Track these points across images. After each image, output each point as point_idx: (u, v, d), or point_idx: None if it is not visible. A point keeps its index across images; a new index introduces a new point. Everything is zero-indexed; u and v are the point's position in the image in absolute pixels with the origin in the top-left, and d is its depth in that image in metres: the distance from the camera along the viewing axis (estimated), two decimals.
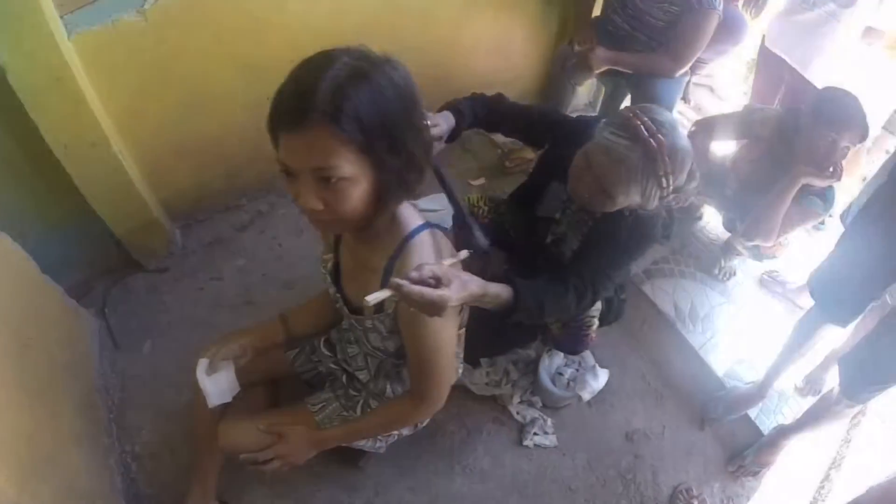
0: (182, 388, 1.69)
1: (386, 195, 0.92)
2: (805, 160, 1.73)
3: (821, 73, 2.13)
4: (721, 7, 1.93)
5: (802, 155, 1.73)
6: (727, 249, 2.19)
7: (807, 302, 1.98)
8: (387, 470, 1.69)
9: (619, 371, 1.95)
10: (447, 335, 1.09)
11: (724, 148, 2.12)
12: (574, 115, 1.65)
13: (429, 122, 1.16)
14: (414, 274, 0.86)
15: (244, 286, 2.05)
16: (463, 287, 0.93)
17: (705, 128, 1.96)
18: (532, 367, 1.85)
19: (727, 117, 1.99)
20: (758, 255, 2.16)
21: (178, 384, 1.73)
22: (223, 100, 1.92)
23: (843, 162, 1.73)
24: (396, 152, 0.86)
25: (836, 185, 1.80)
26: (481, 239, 1.24)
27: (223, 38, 1.78)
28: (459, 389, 1.77)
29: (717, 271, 2.18)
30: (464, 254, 1.02)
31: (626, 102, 2.27)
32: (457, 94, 2.41)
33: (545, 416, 1.81)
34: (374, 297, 0.83)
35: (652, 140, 1.14)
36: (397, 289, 0.83)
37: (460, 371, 1.47)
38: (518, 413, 1.81)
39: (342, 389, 1.37)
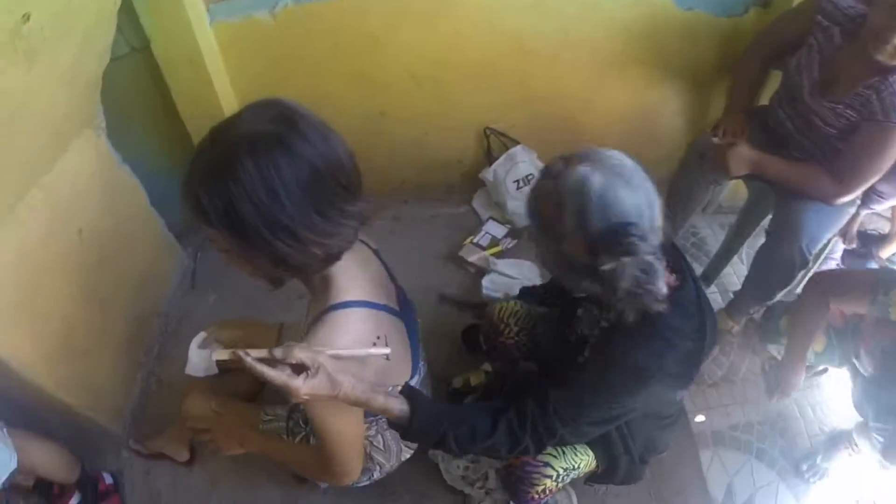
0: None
1: (275, 272, 0.91)
2: None
3: None
4: None
5: None
6: (836, 441, 1.62)
7: None
8: (326, 499, 1.65)
9: None
10: (336, 419, 1.02)
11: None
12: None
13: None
14: (277, 352, 0.82)
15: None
16: (329, 385, 0.86)
17: (826, 286, 1.47)
18: None
19: (856, 279, 1.44)
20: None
21: None
22: (336, 104, 1.98)
23: None
24: (257, 246, 0.83)
25: None
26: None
27: (341, 48, 1.89)
28: (433, 469, 1.64)
29: (805, 468, 1.63)
30: (381, 350, 0.95)
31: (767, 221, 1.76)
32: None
33: None
34: (217, 355, 0.83)
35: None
36: (239, 359, 0.80)
37: (407, 455, 1.39)
38: None
39: (297, 416, 1.40)
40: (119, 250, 1.77)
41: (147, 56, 1.78)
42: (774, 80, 1.74)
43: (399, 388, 1.03)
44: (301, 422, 1.38)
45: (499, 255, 2.18)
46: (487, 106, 2.12)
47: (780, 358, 1.70)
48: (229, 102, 1.93)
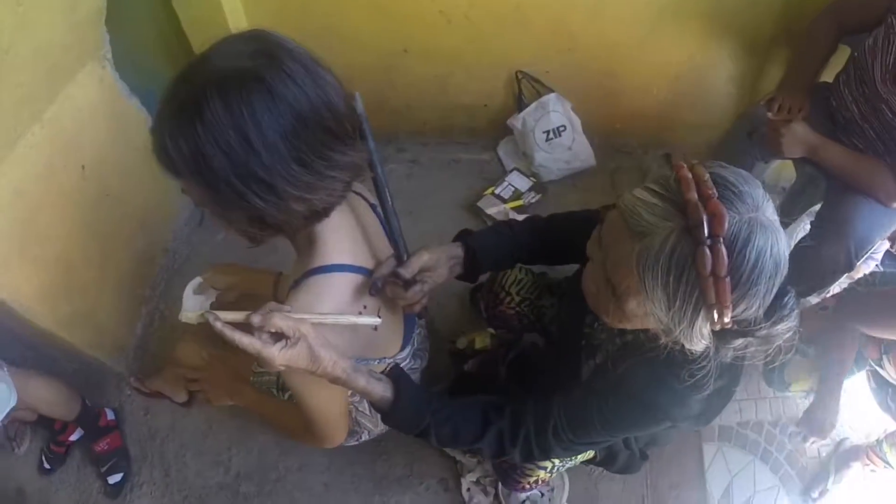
0: None
1: (253, 231, 0.80)
2: None
3: None
4: None
5: None
6: (849, 456, 1.55)
7: None
8: (318, 457, 1.66)
9: None
10: (312, 390, 0.95)
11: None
12: None
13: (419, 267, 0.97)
14: (255, 318, 0.75)
15: None
16: (308, 358, 0.79)
17: (856, 314, 1.34)
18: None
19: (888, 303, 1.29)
20: None
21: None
22: (355, 38, 1.89)
23: None
24: (229, 201, 0.73)
25: None
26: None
27: None
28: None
29: (815, 493, 1.56)
30: (361, 320, 0.87)
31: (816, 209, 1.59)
32: (626, 117, 2.08)
33: None
34: (185, 316, 0.78)
35: (702, 209, 0.62)
36: (212, 323, 0.74)
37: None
38: (468, 490, 1.59)
39: None
40: (124, 186, 1.72)
41: None
42: (841, 56, 1.52)
43: (386, 365, 0.97)
44: None
45: (520, 210, 2.05)
46: (521, 48, 1.94)
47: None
48: (241, 30, 1.79)
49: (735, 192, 0.65)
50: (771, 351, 0.72)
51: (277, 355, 0.75)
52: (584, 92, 2.03)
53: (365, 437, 1.34)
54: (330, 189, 0.78)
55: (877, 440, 1.53)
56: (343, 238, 0.91)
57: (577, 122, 2.07)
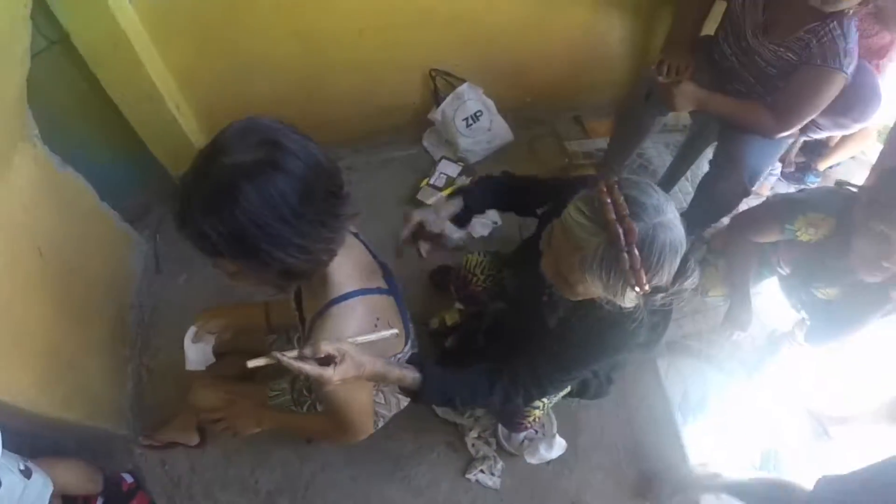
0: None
1: (282, 283, 0.97)
2: (859, 262, 1.37)
3: None
4: (850, 71, 1.50)
5: (855, 255, 1.37)
6: (777, 340, 1.89)
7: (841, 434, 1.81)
8: (336, 455, 1.81)
9: (594, 439, 1.85)
10: (354, 394, 1.16)
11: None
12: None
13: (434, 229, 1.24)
14: (307, 350, 0.91)
15: None
16: (355, 368, 0.96)
17: (745, 228, 1.64)
18: None
19: (765, 215, 1.60)
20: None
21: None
22: (281, 64, 1.97)
23: None
24: (263, 261, 0.88)
25: None
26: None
27: (283, 8, 1.80)
28: (424, 406, 1.79)
29: (755, 374, 1.91)
30: (383, 332, 1.04)
31: (710, 153, 1.89)
32: (534, 89, 2.27)
33: (497, 458, 1.80)
34: (253, 363, 0.90)
35: (619, 225, 0.88)
36: (278, 361, 0.89)
37: (405, 404, 1.52)
38: (473, 446, 1.82)
39: (299, 385, 1.51)
40: (80, 256, 1.73)
41: (66, 47, 1.62)
42: (719, 9, 1.77)
43: (398, 359, 1.18)
44: (305, 390, 1.49)
45: (455, 195, 2.22)
46: (431, 48, 2.10)
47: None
48: (164, 81, 1.82)
49: (642, 206, 0.90)
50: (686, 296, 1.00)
51: (333, 374, 0.92)
52: (493, 76, 2.22)
53: (380, 423, 1.51)
54: (342, 236, 0.96)
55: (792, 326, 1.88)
56: (346, 269, 1.08)
57: (491, 104, 2.25)
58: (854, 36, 1.50)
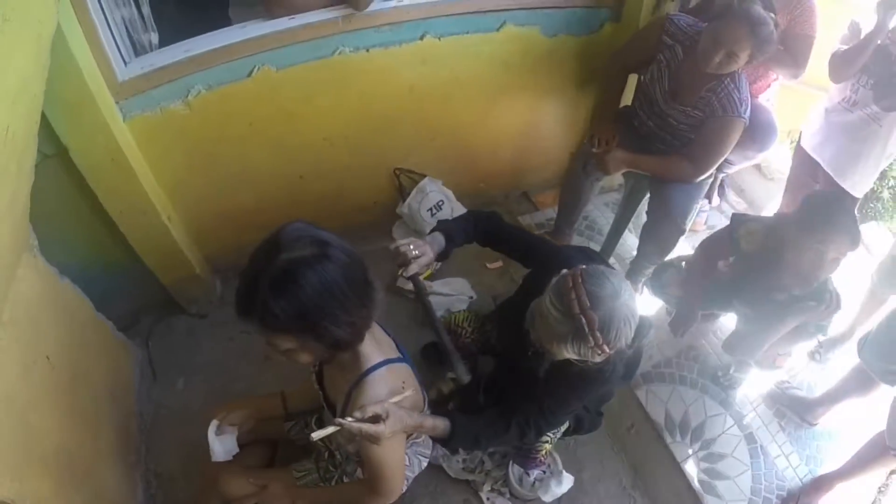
0: (204, 424, 1.90)
1: (328, 353, 1.16)
2: (791, 274, 1.65)
3: (856, 181, 2.00)
4: (747, 115, 1.85)
5: (789, 268, 1.64)
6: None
7: (819, 420, 2.04)
8: None
9: (596, 472, 1.98)
10: (392, 450, 1.30)
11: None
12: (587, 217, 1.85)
13: (416, 252, 1.43)
14: (357, 414, 1.11)
15: None
16: (399, 421, 1.17)
17: (708, 251, 1.93)
18: (507, 460, 1.92)
19: (711, 238, 1.93)
20: (760, 364, 2.09)
21: (201, 420, 1.86)
22: (258, 176, 2.15)
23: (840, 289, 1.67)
24: (319, 335, 1.07)
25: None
26: (461, 371, 1.42)
27: (257, 125, 2.00)
28: (437, 469, 1.92)
29: (720, 374, 2.13)
30: (409, 391, 1.26)
31: (646, 202, 2.23)
32: (486, 177, 2.60)
33: None
34: (318, 434, 1.09)
35: (582, 317, 1.16)
36: (339, 425, 1.09)
37: (425, 464, 1.67)
38: (488, 500, 1.90)
39: (323, 463, 1.61)
40: (83, 365, 1.77)
41: (61, 161, 1.71)
42: (632, 83, 2.14)
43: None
44: (330, 466, 1.60)
45: (430, 278, 2.43)
46: (394, 150, 2.37)
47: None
48: (156, 194, 1.96)
49: (599, 297, 1.17)
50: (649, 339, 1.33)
51: (384, 429, 1.12)
52: (449, 168, 2.51)
53: (406, 486, 1.60)
54: (375, 314, 1.17)
55: None
56: (372, 344, 1.27)
57: (450, 193, 2.52)
58: (745, 85, 1.86)
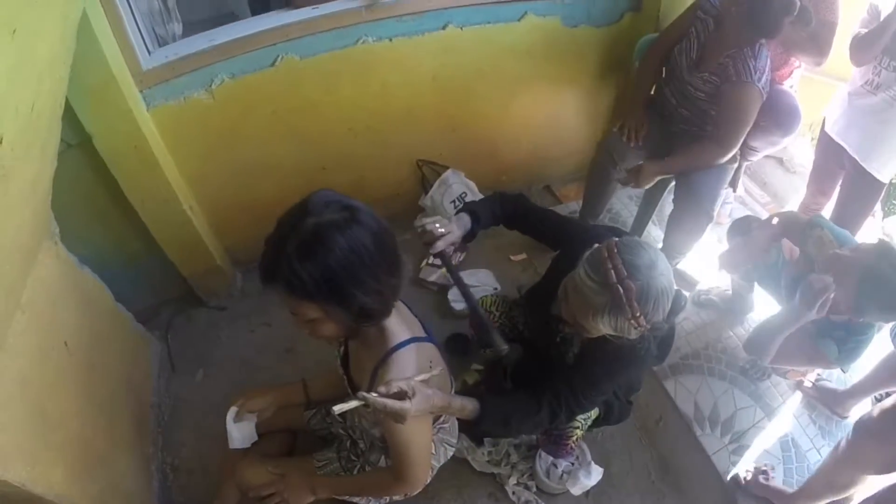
0: (222, 417, 1.88)
1: (354, 325, 1.11)
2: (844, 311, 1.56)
3: (882, 164, 1.96)
4: (762, 84, 1.83)
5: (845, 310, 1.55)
6: None
7: (850, 412, 1.97)
8: None
9: (625, 465, 1.92)
10: (418, 432, 1.25)
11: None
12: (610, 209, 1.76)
13: (442, 230, 1.38)
14: (382, 389, 1.04)
15: (289, 335, 2.22)
16: (426, 400, 1.10)
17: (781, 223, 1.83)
18: (533, 452, 1.88)
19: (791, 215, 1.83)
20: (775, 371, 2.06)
21: (220, 413, 1.86)
22: (280, 166, 2.15)
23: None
24: (346, 302, 1.03)
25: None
26: (499, 340, 1.38)
27: (280, 115, 2.01)
28: (462, 462, 1.87)
29: (748, 366, 2.08)
30: (436, 370, 1.19)
31: (669, 193, 2.21)
32: (507, 169, 2.57)
33: (539, 500, 1.83)
34: (340, 408, 1.01)
35: (620, 286, 1.11)
36: (363, 400, 1.01)
37: (451, 453, 1.63)
38: (514, 493, 1.85)
39: (345, 452, 1.58)
40: (102, 354, 1.76)
41: (83, 150, 1.72)
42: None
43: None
44: (352, 455, 1.56)
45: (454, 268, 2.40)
46: (417, 141, 2.36)
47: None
48: (178, 183, 1.96)
49: (636, 268, 1.12)
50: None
51: (410, 406, 1.05)
52: (472, 160, 2.49)
53: (431, 476, 1.57)
54: (402, 286, 1.15)
55: None
56: (398, 322, 1.23)
57: (473, 185, 2.50)
58: (764, 57, 1.84)
